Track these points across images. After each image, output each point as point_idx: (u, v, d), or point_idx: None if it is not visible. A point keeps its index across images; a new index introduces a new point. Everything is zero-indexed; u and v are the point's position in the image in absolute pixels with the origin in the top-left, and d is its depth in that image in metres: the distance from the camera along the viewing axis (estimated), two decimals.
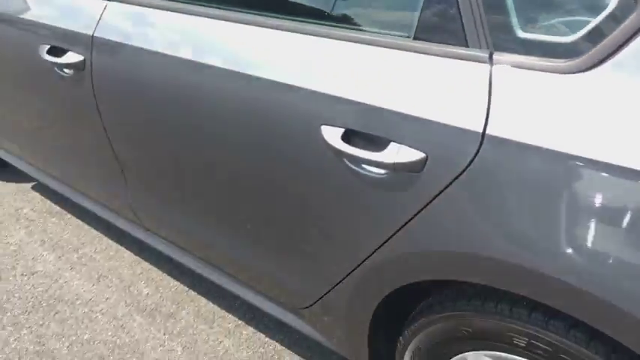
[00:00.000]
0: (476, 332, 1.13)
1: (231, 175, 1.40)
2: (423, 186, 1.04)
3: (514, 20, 0.98)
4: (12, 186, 2.81)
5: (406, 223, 1.08)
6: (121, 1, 1.59)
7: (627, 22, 0.85)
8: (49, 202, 2.69)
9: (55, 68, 1.72)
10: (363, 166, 1.11)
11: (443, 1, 1.03)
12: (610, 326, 0.88)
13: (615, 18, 0.87)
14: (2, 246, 2.38)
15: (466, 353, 1.20)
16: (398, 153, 1.05)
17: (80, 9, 1.67)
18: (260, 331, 1.98)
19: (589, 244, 0.86)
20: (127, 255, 2.34)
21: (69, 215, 2.59)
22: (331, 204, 1.21)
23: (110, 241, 2.42)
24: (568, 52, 0.91)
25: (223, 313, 2.04)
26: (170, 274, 2.23)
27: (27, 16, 1.83)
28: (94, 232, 2.48)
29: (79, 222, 2.55)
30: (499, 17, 0.98)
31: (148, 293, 2.13)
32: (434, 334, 1.22)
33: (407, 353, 1.32)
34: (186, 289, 2.15)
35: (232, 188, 1.42)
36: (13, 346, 1.91)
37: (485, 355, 1.16)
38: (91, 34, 1.61)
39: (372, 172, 1.11)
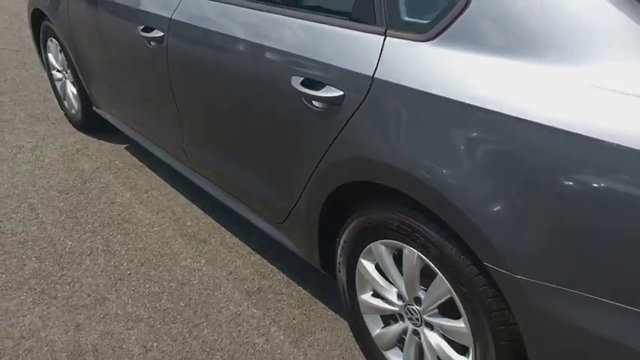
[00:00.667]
0: (372, 223, 1.66)
1: (241, 116, 2.02)
2: (343, 113, 1.60)
3: (402, 9, 1.53)
4: (110, 145, 3.59)
5: (334, 139, 1.64)
6: None
7: (452, 9, 1.39)
8: (135, 158, 3.44)
9: (145, 41, 2.43)
10: (312, 102, 1.69)
11: None
12: (438, 208, 1.39)
13: (447, 7, 1.41)
14: (96, 184, 3.12)
15: (370, 245, 1.72)
16: (329, 92, 1.62)
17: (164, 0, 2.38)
18: (265, 258, 2.55)
19: (427, 150, 1.38)
20: (182, 199, 3.01)
21: (147, 168, 3.31)
22: (294, 130, 1.79)
23: (171, 189, 3.10)
24: (425, 29, 1.45)
25: (241, 244, 2.64)
26: (210, 213, 2.87)
27: (129, 3, 2.57)
28: (162, 180, 3.18)
29: (153, 173, 3.26)
30: (394, 8, 1.53)
31: (190, 224, 2.78)
32: (351, 229, 1.75)
33: (339, 249, 1.85)
34: (218, 225, 2.78)
35: (240, 126, 2.04)
36: (87, 244, 2.61)
37: (380, 244, 1.68)
38: (170, 16, 2.30)
39: (316, 105, 1.68)
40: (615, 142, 1.08)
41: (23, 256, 2.54)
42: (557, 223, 1.19)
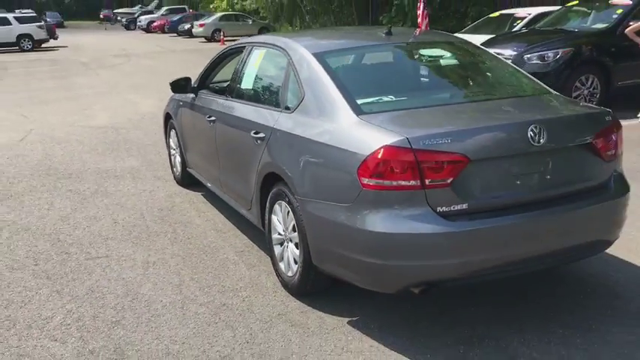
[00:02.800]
0: (274, 194, 3.80)
1: (232, 151, 4.33)
2: (264, 144, 3.83)
3: (286, 102, 3.78)
4: (193, 192, 5.99)
5: (261, 156, 3.86)
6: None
7: (300, 102, 3.62)
8: (205, 197, 5.78)
9: (208, 124, 4.83)
10: (256, 139, 3.94)
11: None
12: (289, 183, 3.65)
13: (299, 101, 3.64)
14: (181, 215, 5.48)
15: (274, 206, 3.85)
16: (259, 134, 3.87)
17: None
18: (247, 237, 4.70)
19: (289, 159, 3.68)
20: (219, 207, 5.26)
21: (209, 202, 5.63)
22: (249, 154, 4.03)
23: (210, 206, 5.38)
24: (292, 108, 3.68)
25: (235, 229, 4.81)
26: (230, 219, 5.08)
27: (204, 104, 5.02)
28: (216, 210, 5.47)
29: (210, 202, 5.57)
30: (283, 102, 3.78)
31: (221, 228, 5.01)
32: (269, 200, 3.89)
33: (266, 213, 3.98)
34: (232, 225, 4.98)
35: (232, 156, 4.36)
36: (164, 228, 4.93)
37: (277, 204, 3.81)
38: (218, 109, 4.71)
39: (257, 139, 3.92)
40: (321, 141, 3.23)
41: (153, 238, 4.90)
42: (307, 176, 3.31)
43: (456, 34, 6.12)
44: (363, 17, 27.15)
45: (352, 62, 4.14)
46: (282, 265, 3.86)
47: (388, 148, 2.93)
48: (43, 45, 30.77)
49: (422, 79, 4.00)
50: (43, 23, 31.63)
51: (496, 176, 3.10)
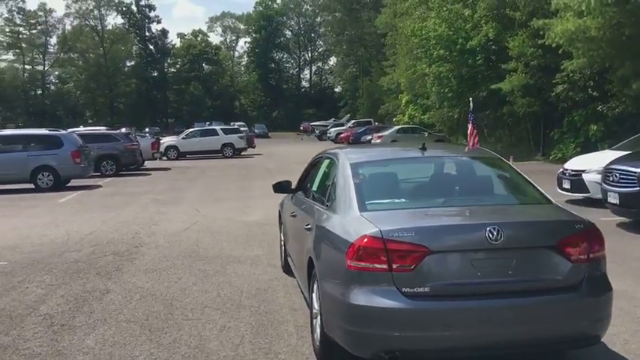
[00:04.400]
0: (313, 271, 4.68)
1: (296, 241, 5.31)
2: (309, 234, 4.77)
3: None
4: (290, 279, 6.99)
5: (307, 243, 4.79)
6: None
7: (335, 199, 4.53)
8: (297, 284, 6.74)
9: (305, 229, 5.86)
10: (306, 229, 4.88)
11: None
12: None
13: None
14: (271, 294, 6.52)
15: (314, 284, 4.69)
16: (308, 226, 4.82)
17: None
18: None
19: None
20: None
21: (297, 288, 6.57)
22: (302, 243, 4.97)
23: (300, 297, 6.28)
24: (330, 205, 4.58)
25: (306, 308, 5.66)
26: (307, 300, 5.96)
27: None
28: (299, 294, 6.39)
29: (299, 289, 6.50)
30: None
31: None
32: None
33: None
34: (305, 305, 5.84)
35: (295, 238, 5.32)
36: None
37: None
38: (290, 213, 5.76)
39: (307, 230, 4.87)
40: (332, 230, 4.09)
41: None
42: (322, 258, 4.16)
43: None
44: (536, 131, 27.15)
45: (379, 171, 4.97)
46: (314, 336, 4.63)
47: (365, 237, 3.72)
48: (242, 153, 35.12)
49: (430, 187, 4.72)
50: (244, 134, 36.20)
51: (457, 266, 3.70)
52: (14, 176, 17.99)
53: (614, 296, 5.93)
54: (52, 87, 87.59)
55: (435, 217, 4.08)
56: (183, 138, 34.29)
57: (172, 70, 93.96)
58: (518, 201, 4.49)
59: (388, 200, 4.43)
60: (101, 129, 29.11)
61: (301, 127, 74.33)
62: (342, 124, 56.33)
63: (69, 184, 18.78)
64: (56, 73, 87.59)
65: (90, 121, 73.31)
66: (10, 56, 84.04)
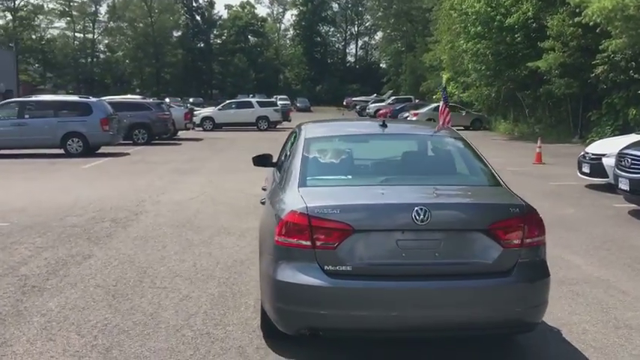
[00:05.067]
0: None
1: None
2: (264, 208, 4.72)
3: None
4: None
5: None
6: None
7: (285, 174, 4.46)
8: None
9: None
10: (262, 203, 4.83)
11: None
12: None
13: None
14: (244, 267, 6.52)
15: None
16: (263, 200, 4.77)
17: None
18: None
19: None
20: None
21: None
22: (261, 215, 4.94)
23: None
24: (280, 180, 4.53)
25: None
26: None
27: None
28: None
29: None
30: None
31: None
32: None
33: None
34: None
35: None
36: None
37: None
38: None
39: (263, 204, 4.82)
40: (271, 206, 4.03)
41: None
42: (261, 234, 4.11)
43: None
44: (575, 113, 26.27)
45: (333, 147, 4.85)
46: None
47: (292, 213, 3.65)
48: (277, 126, 35.17)
49: (378, 164, 4.60)
50: (279, 107, 36.21)
51: (380, 246, 3.61)
52: (45, 141, 18.50)
53: (592, 283, 5.80)
54: (102, 55, 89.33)
55: (367, 195, 3.98)
56: (219, 109, 34.56)
57: (218, 41, 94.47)
58: (463, 182, 4.32)
59: (331, 177, 4.33)
60: (136, 98, 29.50)
61: (344, 102, 73.87)
62: (383, 101, 55.76)
63: (99, 151, 19.21)
64: (105, 41, 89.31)
65: (137, 90, 74.72)
66: (62, 24, 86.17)
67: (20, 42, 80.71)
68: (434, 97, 46.03)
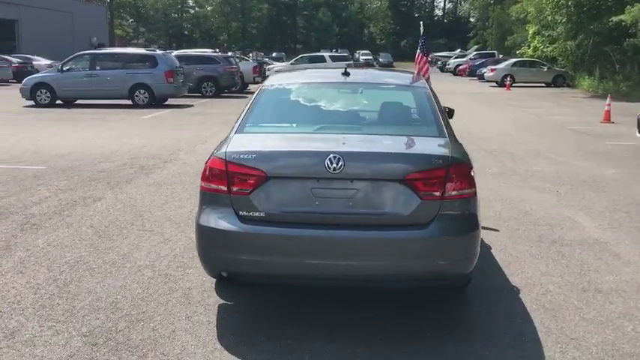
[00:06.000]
0: None
1: None
2: None
3: None
4: None
5: None
6: None
7: None
8: None
9: None
10: None
11: None
12: None
13: None
14: None
15: None
16: None
17: None
18: None
19: None
20: None
21: None
22: None
23: None
24: None
25: None
26: None
27: None
28: None
29: None
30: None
31: None
32: None
33: None
34: None
35: None
36: None
37: None
38: None
39: None
40: None
41: None
42: None
43: None
44: None
45: (286, 96, 4.77)
46: None
47: (213, 159, 3.69)
48: None
49: (322, 113, 4.49)
50: (352, 62, 35.87)
51: (294, 193, 3.58)
52: (115, 92, 19.34)
53: (586, 245, 5.50)
54: (191, 11, 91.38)
55: (286, 142, 3.94)
56: (291, 64, 34.66)
57: None
58: (401, 132, 4.13)
59: (271, 124, 4.30)
60: (206, 51, 30.08)
61: (429, 58, 71.85)
62: (466, 56, 53.85)
63: (166, 103, 19.92)
64: None
65: (225, 45, 76.23)
66: None
67: None
68: (517, 52, 43.95)
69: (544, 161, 10.10)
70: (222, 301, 4.23)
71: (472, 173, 3.73)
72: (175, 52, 26.82)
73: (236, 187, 3.59)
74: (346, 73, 4.70)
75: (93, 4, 69.19)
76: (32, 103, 19.26)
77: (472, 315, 4.17)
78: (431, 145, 3.84)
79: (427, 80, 5.36)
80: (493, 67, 34.48)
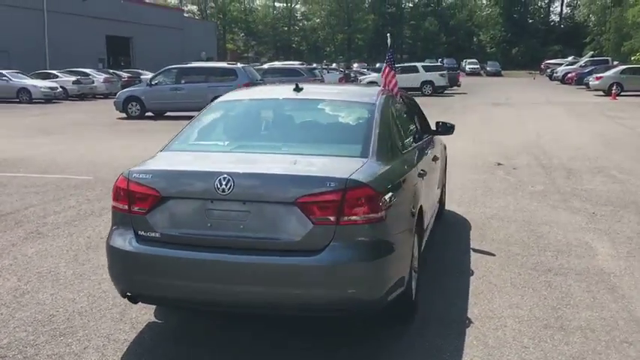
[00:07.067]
0: None
1: None
2: None
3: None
4: None
5: None
6: None
7: None
8: None
9: None
10: None
11: None
12: None
13: None
14: None
15: None
16: None
17: None
18: None
19: None
20: None
21: None
22: None
23: None
24: None
25: None
26: None
27: None
28: None
29: None
30: None
31: None
32: None
33: None
34: None
35: None
36: None
37: None
38: None
39: None
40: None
41: None
42: None
43: None
44: None
45: (230, 112, 4.66)
46: None
47: (119, 178, 3.68)
48: (444, 91, 34.10)
49: (255, 131, 4.39)
50: (445, 72, 34.92)
51: (189, 215, 3.48)
52: (197, 105, 19.80)
53: (583, 275, 4.95)
54: (300, 24, 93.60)
55: (192, 161, 3.88)
56: None
57: (409, 4, 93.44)
58: (319, 152, 3.83)
59: (198, 142, 4.22)
60: (294, 64, 30.61)
61: (541, 65, 68.58)
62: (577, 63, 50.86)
63: None
64: (302, 9, 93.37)
65: (331, 57, 77.34)
66: None
67: (228, 13, 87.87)
68: (632, 58, 40.88)
69: (602, 179, 9.24)
70: (153, 320, 4.21)
71: (384, 197, 3.44)
72: (267, 65, 27.56)
73: (136, 207, 3.56)
74: (298, 89, 4.55)
75: (204, 21, 72.86)
76: (124, 115, 20.51)
77: (400, 346, 3.84)
78: (334, 167, 3.57)
79: (395, 95, 5.02)
80: (600, 74, 32.27)
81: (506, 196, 8.07)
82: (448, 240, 6.12)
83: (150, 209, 3.51)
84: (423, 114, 6.20)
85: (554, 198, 7.94)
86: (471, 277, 4.99)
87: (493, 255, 5.57)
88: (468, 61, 72.65)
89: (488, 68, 70.22)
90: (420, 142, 5.18)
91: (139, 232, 3.56)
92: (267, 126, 4.47)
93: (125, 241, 3.58)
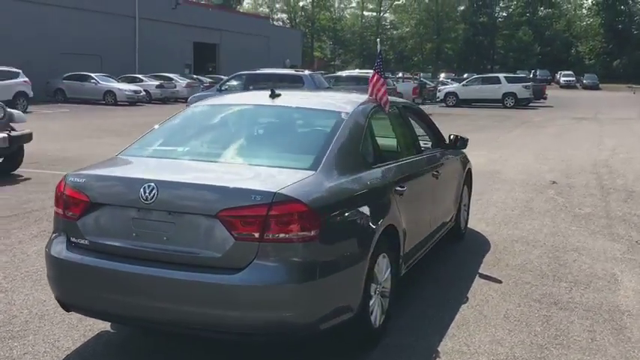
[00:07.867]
0: None
1: None
2: None
3: None
4: None
5: None
6: None
7: None
8: None
9: None
10: None
11: None
12: None
13: None
14: None
15: None
16: None
17: None
18: None
19: None
20: None
21: None
22: None
23: None
24: None
25: None
26: None
27: None
28: None
29: None
30: None
31: None
32: None
33: None
34: None
35: None
36: None
37: None
38: None
39: None
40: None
41: None
42: None
43: None
44: None
45: (199, 117, 4.45)
46: None
47: (59, 182, 3.59)
48: (528, 104, 32.62)
49: (216, 137, 4.21)
50: (529, 84, 33.39)
51: (116, 223, 3.32)
52: None
53: (593, 311, 4.41)
54: (389, 33, 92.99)
55: (126, 167, 3.68)
56: (463, 85, 33.47)
57: (503, 14, 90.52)
58: (266, 163, 3.53)
59: (154, 147, 3.98)
60: (363, 72, 30.22)
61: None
62: None
63: None
64: (391, 19, 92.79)
65: (419, 66, 76.39)
66: (352, 4, 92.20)
67: (317, 22, 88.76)
68: None
69: None
70: (107, 329, 4.08)
71: (320, 214, 3.13)
72: (338, 73, 27.39)
73: (69, 212, 3.44)
74: (274, 95, 4.30)
75: (290, 28, 73.89)
76: None
77: None
78: (268, 179, 3.29)
79: (383, 105, 4.61)
80: None
81: (544, 217, 7.42)
82: (456, 263, 5.65)
83: (80, 215, 3.39)
84: (435, 127, 5.76)
85: (599, 223, 7.22)
86: (463, 306, 4.54)
87: (500, 282, 5.07)
88: (563, 73, 69.47)
89: (584, 81, 66.94)
90: (415, 157, 4.80)
91: (71, 238, 3.44)
92: (226, 133, 4.25)
93: (57, 247, 3.47)
